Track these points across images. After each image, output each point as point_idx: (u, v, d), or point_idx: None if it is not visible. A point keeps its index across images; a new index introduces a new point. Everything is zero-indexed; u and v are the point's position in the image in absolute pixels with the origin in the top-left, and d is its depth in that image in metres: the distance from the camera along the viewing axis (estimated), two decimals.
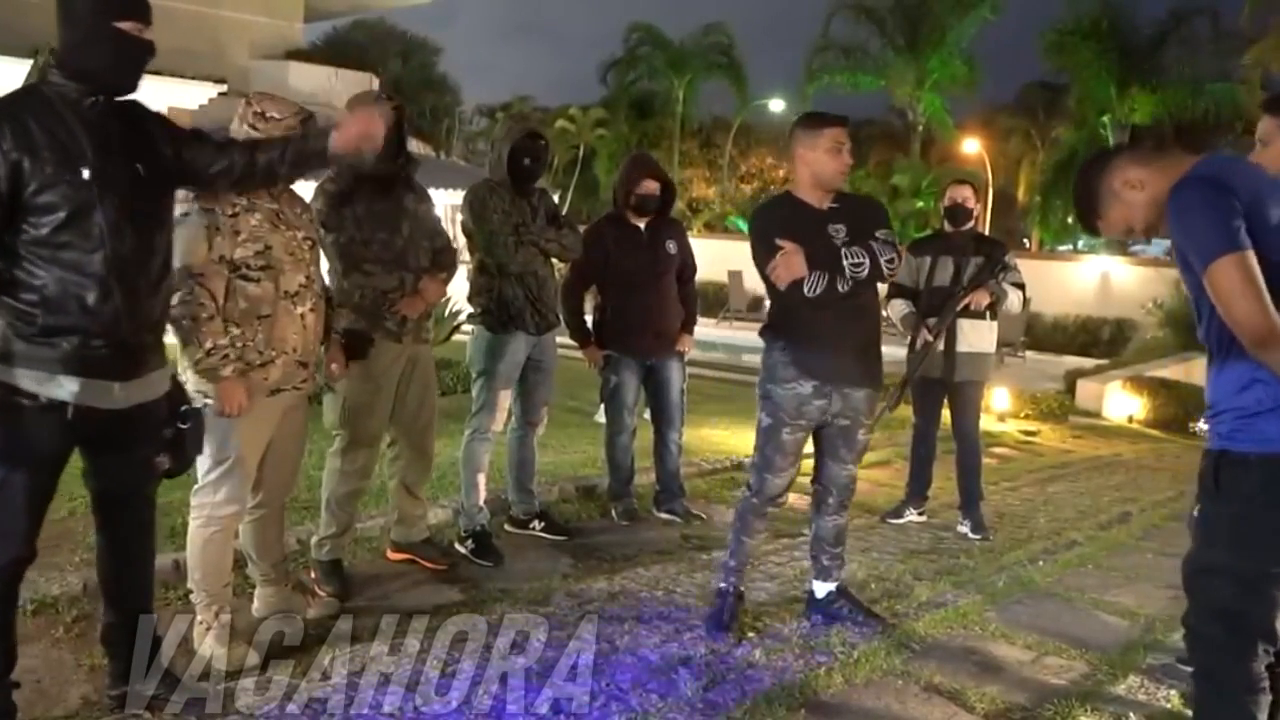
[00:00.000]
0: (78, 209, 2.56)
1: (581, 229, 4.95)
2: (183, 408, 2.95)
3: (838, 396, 3.74)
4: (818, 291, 3.57)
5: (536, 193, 4.63)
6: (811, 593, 3.95)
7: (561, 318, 4.99)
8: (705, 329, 7.79)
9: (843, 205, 3.74)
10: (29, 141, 2.53)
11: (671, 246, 5.21)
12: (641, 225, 5.16)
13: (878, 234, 3.65)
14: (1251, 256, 2.12)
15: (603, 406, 7.69)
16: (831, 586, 3.87)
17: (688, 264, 5.30)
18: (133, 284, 2.67)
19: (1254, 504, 2.25)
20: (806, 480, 4.09)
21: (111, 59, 2.65)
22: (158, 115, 2.89)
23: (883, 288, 5.85)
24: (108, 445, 2.78)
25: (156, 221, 2.80)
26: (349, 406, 3.96)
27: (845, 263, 3.56)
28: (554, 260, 4.69)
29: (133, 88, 2.74)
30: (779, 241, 3.61)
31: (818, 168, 3.67)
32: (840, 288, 3.57)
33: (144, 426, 2.82)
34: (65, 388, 2.59)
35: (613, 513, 5.33)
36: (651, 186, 5.13)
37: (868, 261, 3.58)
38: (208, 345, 3.10)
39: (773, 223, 3.76)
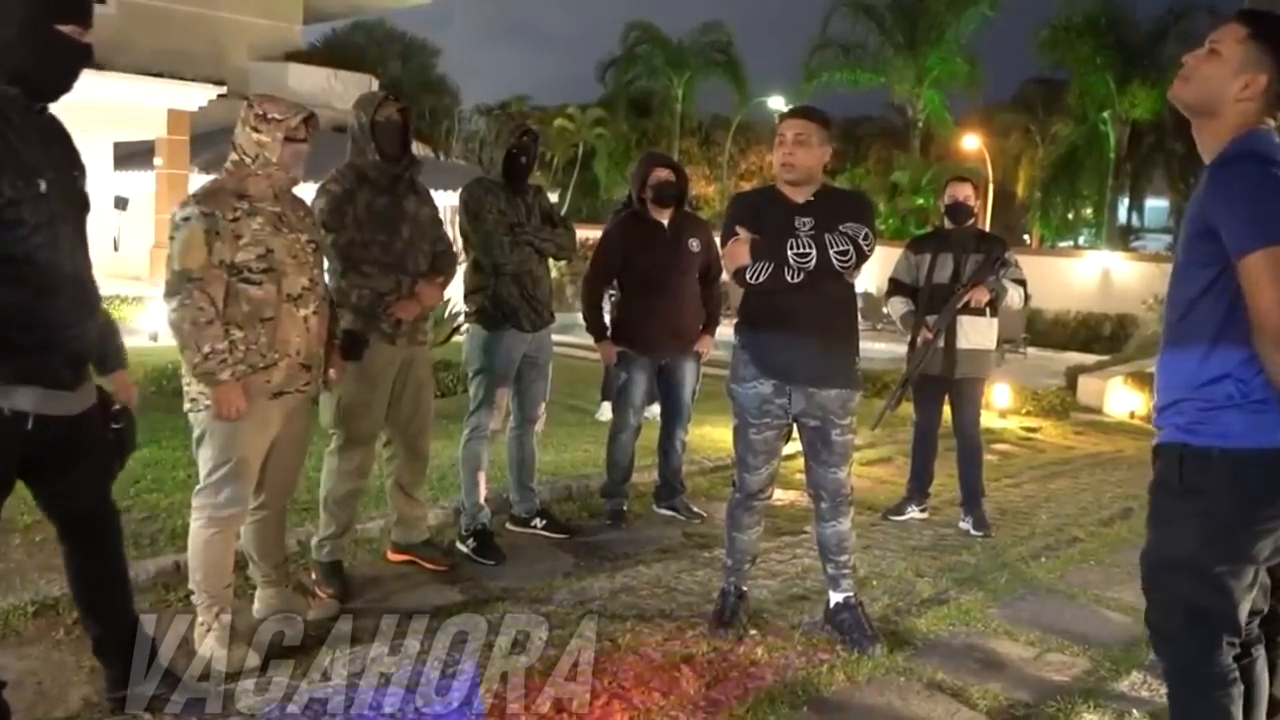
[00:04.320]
0: (39, 224, 2.52)
1: (599, 229, 4.94)
2: (114, 408, 2.94)
3: (800, 395, 3.67)
4: (761, 279, 3.55)
5: (531, 190, 4.63)
6: (827, 599, 3.92)
7: (580, 313, 4.97)
8: None
9: (820, 199, 3.67)
10: None
11: (695, 244, 5.17)
12: (664, 221, 5.13)
13: (841, 226, 3.56)
14: None
15: (604, 405, 7.76)
16: (839, 598, 3.81)
17: (712, 263, 5.22)
18: (84, 295, 2.66)
19: (1219, 500, 2.20)
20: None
21: (48, 62, 2.57)
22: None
23: (883, 284, 5.88)
24: (68, 458, 2.75)
25: (85, 230, 2.76)
26: (344, 406, 3.96)
27: (790, 252, 3.51)
28: (550, 258, 4.69)
29: (66, 91, 2.66)
30: (737, 229, 3.64)
31: (775, 160, 3.70)
32: (789, 278, 3.52)
33: (92, 432, 2.81)
34: (26, 398, 2.56)
35: (604, 509, 5.33)
36: (664, 174, 5.11)
37: (814, 252, 3.51)
38: (205, 349, 3.09)
39: (739, 211, 3.79)
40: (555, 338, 4.89)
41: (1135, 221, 40.21)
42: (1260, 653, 2.44)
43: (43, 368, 2.58)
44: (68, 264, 2.60)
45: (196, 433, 3.29)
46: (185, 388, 3.28)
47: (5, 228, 2.48)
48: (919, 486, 5.75)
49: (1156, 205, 40.43)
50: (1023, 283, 5.45)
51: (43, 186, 2.53)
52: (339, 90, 15.53)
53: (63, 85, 2.64)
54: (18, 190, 2.48)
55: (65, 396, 2.66)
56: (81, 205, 2.72)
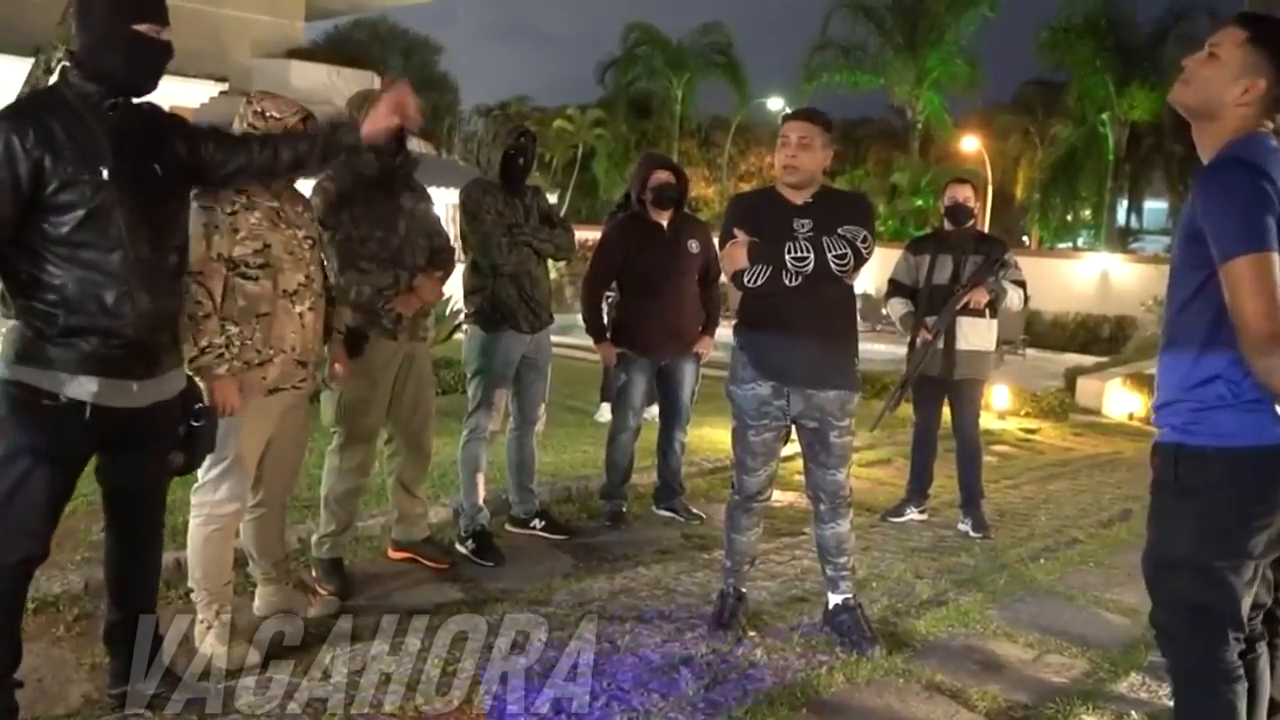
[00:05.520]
0: (97, 208, 2.57)
1: (598, 230, 4.94)
2: (196, 405, 2.95)
3: (798, 397, 3.67)
4: (758, 283, 3.56)
5: (530, 192, 4.63)
6: (826, 600, 3.93)
7: (580, 315, 5.01)
8: None
9: (819, 200, 3.67)
10: (50, 141, 2.53)
11: (694, 246, 5.17)
12: (664, 222, 5.13)
13: (840, 229, 3.56)
14: (1275, 259, 2.08)
15: (603, 406, 7.76)
16: (839, 599, 3.81)
17: (711, 265, 5.21)
18: (150, 283, 2.68)
19: (1214, 498, 2.23)
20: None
21: (129, 61, 2.66)
22: (173, 115, 2.90)
23: (882, 285, 5.88)
24: (125, 444, 2.79)
25: (173, 221, 2.81)
26: (345, 403, 3.96)
27: (788, 256, 3.51)
28: (549, 259, 4.69)
29: (151, 88, 2.76)
30: (735, 231, 3.65)
31: (777, 162, 3.71)
32: (787, 281, 3.52)
33: (161, 425, 2.83)
34: (85, 388, 2.60)
35: (603, 510, 5.33)
36: (664, 176, 5.11)
37: (812, 256, 3.51)
38: (202, 343, 3.09)
39: (738, 212, 3.79)
40: (554, 339, 4.89)
41: (1134, 223, 40.26)
42: (1263, 649, 2.47)
43: (104, 356, 2.61)
44: (129, 250, 2.62)
45: None
46: None
47: (57, 210, 2.55)
48: (918, 488, 5.76)
49: (1155, 207, 40.47)
50: (1022, 284, 5.46)
51: (105, 174, 2.58)
52: (341, 87, 15.50)
53: (144, 82, 2.73)
54: (68, 175, 2.53)
55: (130, 388, 2.68)
56: (161, 196, 2.74)
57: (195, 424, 2.93)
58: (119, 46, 2.63)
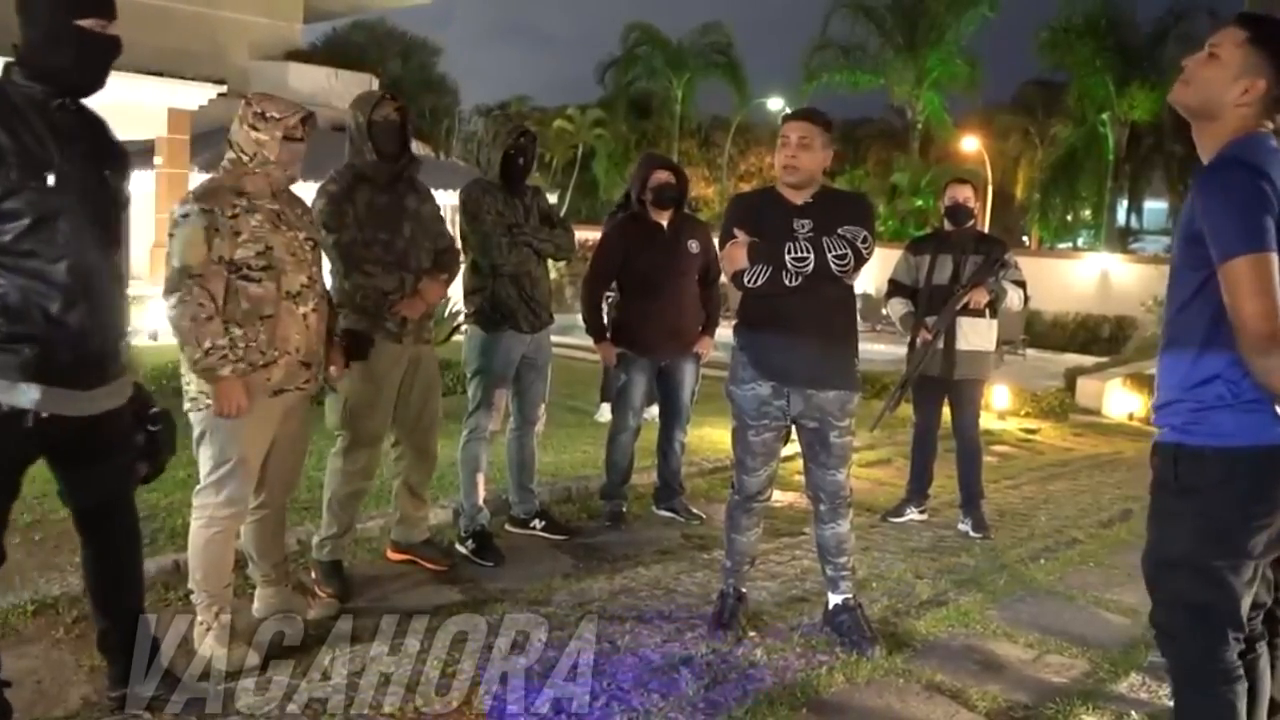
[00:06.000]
0: (42, 216, 2.51)
1: (598, 230, 4.94)
2: (150, 410, 2.93)
3: (798, 397, 3.67)
4: (758, 283, 3.56)
5: (530, 192, 4.63)
6: (826, 600, 3.93)
7: (580, 314, 5.04)
8: None
9: (819, 200, 3.67)
10: None
11: (694, 246, 5.17)
12: (664, 223, 5.13)
13: (840, 229, 3.55)
14: (1274, 259, 2.08)
15: (603, 406, 7.76)
16: (839, 599, 3.81)
17: (711, 265, 5.21)
18: (96, 291, 2.64)
19: (1214, 498, 2.24)
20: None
21: (74, 58, 2.58)
22: (119, 144, 2.84)
23: (882, 285, 5.89)
24: (80, 456, 2.75)
25: (119, 228, 2.76)
26: (350, 407, 3.96)
27: (787, 256, 3.51)
28: (549, 259, 4.70)
29: (98, 86, 2.68)
30: (735, 231, 3.64)
31: (777, 162, 3.71)
32: (787, 281, 3.52)
33: (114, 434, 2.80)
34: (27, 395, 2.54)
35: (603, 510, 5.33)
36: (664, 176, 5.11)
37: (812, 256, 3.51)
38: (206, 345, 3.09)
39: (738, 212, 3.79)
40: (555, 339, 4.90)
41: (1134, 223, 40.25)
42: (1263, 649, 2.47)
43: (49, 365, 2.56)
44: (75, 259, 2.58)
45: (196, 432, 3.29)
46: (185, 387, 3.27)
47: (3, 219, 2.49)
48: (918, 488, 5.76)
49: (1155, 207, 40.47)
50: (1022, 284, 5.46)
51: (50, 180, 2.52)
52: (339, 89, 15.54)
53: (92, 80, 2.66)
54: (14, 183, 2.48)
55: (78, 396, 2.64)
56: (106, 202, 2.70)
57: (152, 429, 2.91)
58: (63, 43, 2.55)
